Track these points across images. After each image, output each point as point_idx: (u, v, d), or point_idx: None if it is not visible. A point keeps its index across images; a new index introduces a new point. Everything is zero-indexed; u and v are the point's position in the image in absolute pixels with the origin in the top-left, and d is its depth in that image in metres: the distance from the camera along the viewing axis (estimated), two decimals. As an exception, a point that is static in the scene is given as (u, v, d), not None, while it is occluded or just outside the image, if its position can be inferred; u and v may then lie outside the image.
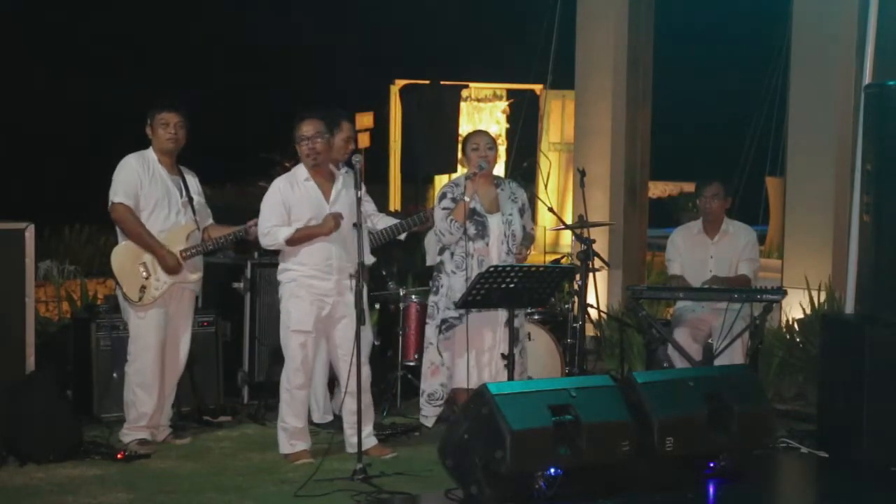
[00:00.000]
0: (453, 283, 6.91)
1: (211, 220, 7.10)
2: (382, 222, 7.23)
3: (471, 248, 6.92)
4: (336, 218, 6.54)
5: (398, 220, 7.21)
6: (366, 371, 6.54)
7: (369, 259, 6.83)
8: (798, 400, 8.23)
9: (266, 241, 6.63)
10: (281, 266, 6.67)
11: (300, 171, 6.71)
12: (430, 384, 7.06)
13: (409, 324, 7.77)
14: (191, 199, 6.95)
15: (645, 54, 10.78)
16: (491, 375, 6.89)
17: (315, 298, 6.55)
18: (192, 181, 7.05)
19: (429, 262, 7.35)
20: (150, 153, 6.89)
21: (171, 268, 6.78)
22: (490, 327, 6.97)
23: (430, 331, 7.06)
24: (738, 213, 8.53)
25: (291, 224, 6.56)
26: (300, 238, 6.54)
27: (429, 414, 7.13)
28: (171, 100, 6.98)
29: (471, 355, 6.93)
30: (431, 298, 7.09)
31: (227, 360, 7.72)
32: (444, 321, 6.96)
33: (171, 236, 6.82)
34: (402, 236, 7.27)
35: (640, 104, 10.75)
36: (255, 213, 6.99)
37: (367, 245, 6.77)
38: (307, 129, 6.65)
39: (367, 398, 6.62)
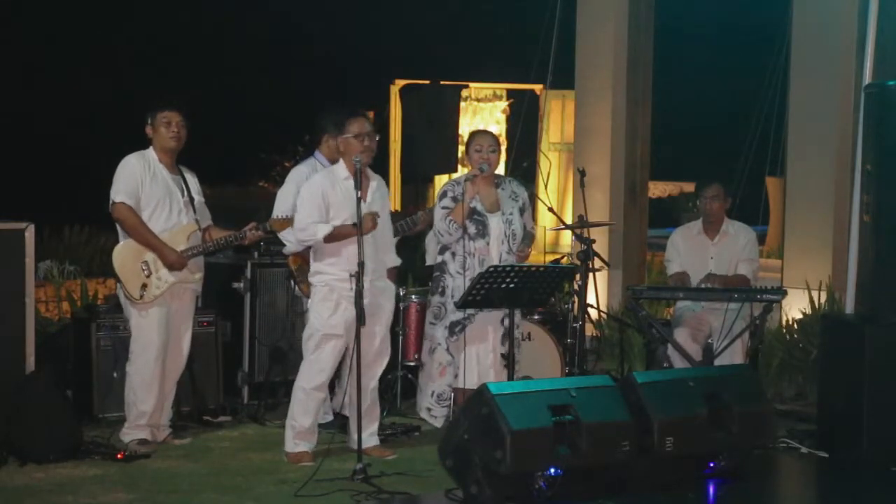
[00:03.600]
0: (458, 285, 6.90)
1: (210, 221, 7.08)
2: None
3: (471, 247, 6.92)
4: (374, 217, 6.44)
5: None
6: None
7: (396, 260, 6.84)
8: (798, 400, 8.23)
9: (303, 237, 6.54)
10: (313, 268, 6.60)
11: (340, 168, 6.60)
12: (439, 384, 7.06)
13: (409, 324, 7.76)
14: (192, 199, 6.94)
15: (645, 54, 10.77)
16: (495, 375, 6.89)
17: (348, 301, 6.40)
18: (193, 181, 7.03)
19: (429, 262, 7.34)
20: (150, 153, 6.87)
21: (174, 263, 6.76)
22: (493, 327, 6.98)
23: (439, 332, 7.03)
24: (738, 213, 8.51)
25: (329, 222, 6.47)
26: (337, 235, 6.45)
27: (438, 415, 7.12)
28: (172, 98, 6.96)
29: (474, 355, 6.93)
30: (437, 299, 7.06)
31: (227, 360, 7.71)
32: (454, 323, 6.96)
33: (172, 236, 6.81)
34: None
35: (640, 104, 10.74)
36: (254, 216, 6.99)
37: (393, 246, 6.83)
38: (365, 125, 6.54)
39: (371, 397, 6.64)
